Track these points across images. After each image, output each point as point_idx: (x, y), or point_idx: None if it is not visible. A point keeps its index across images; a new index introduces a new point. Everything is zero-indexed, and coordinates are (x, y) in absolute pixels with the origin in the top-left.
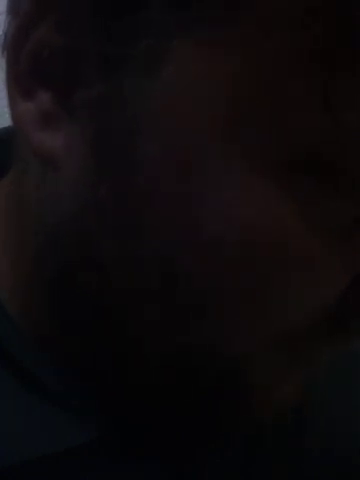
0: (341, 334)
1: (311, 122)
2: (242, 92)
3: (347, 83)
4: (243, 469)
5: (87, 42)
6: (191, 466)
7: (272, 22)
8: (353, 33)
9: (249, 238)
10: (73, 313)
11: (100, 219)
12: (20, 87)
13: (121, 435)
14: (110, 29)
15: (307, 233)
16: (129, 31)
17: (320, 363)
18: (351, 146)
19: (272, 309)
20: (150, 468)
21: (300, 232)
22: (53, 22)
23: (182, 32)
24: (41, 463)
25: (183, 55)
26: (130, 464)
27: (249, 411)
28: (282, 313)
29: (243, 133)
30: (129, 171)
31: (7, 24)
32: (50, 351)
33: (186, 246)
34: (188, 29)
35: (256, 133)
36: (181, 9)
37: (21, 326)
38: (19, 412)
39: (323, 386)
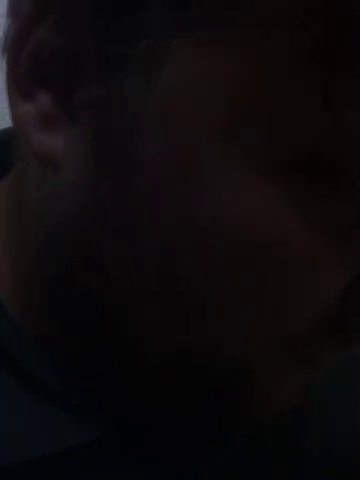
0: (341, 334)
1: (311, 122)
2: (242, 92)
3: (347, 83)
4: (243, 469)
5: (87, 42)
6: (191, 466)
7: (272, 22)
8: (353, 33)
9: (249, 238)
10: (73, 313)
11: (100, 219)
12: (20, 89)
13: (121, 435)
14: (110, 29)
15: (307, 233)
16: (129, 31)
17: (320, 364)
18: (351, 146)
19: (272, 309)
20: (150, 468)
21: (300, 232)
22: (53, 23)
23: (182, 32)
24: (41, 463)
25: (183, 55)
26: (130, 464)
27: (249, 411)
28: (282, 313)
29: (243, 133)
30: (129, 171)
31: (7, 26)
32: (50, 351)
33: (186, 246)
34: (188, 29)
35: (256, 133)
36: (181, 9)
37: (21, 326)
38: (19, 412)
39: (323, 386)
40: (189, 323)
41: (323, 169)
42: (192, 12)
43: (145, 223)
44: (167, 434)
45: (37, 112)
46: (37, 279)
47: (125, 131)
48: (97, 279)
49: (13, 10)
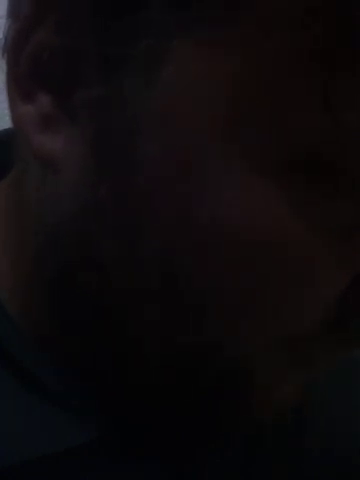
0: (341, 334)
1: (311, 122)
2: (242, 92)
3: (347, 83)
4: (243, 469)
5: (87, 42)
6: (191, 466)
7: (272, 22)
8: (353, 33)
9: (249, 238)
10: (73, 313)
11: (100, 219)
12: (20, 89)
13: (121, 435)
14: (110, 29)
15: (307, 233)
16: (129, 31)
17: (320, 364)
18: (351, 146)
19: (272, 309)
20: (150, 468)
21: (300, 232)
22: (53, 23)
23: (182, 32)
24: (41, 463)
25: (183, 55)
26: (130, 464)
27: (249, 411)
28: (282, 313)
29: (243, 133)
30: (129, 171)
31: (7, 27)
32: (50, 351)
33: (186, 246)
34: (188, 29)
35: (256, 133)
36: (181, 9)
37: (21, 326)
38: (19, 412)
39: (323, 386)
40: (189, 323)
41: (323, 169)
42: (192, 12)
43: (145, 223)
44: (167, 434)
45: (37, 113)
46: (37, 279)
47: (125, 131)
48: (97, 279)
49: (13, 11)
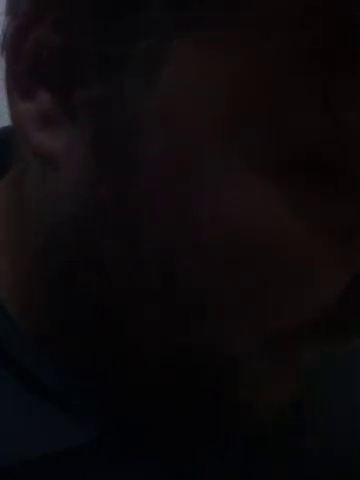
0: (341, 334)
1: (311, 122)
2: (242, 92)
3: (347, 83)
4: (243, 469)
5: (87, 42)
6: (191, 466)
7: (272, 22)
8: (353, 33)
9: (249, 238)
10: (73, 313)
11: (100, 219)
12: (19, 87)
13: (121, 435)
14: (110, 29)
15: (307, 233)
16: (129, 31)
17: (320, 363)
18: (351, 146)
19: (272, 309)
20: (150, 468)
21: (300, 232)
22: (51, 22)
23: (182, 32)
24: (41, 463)
25: (183, 55)
26: (130, 464)
27: (249, 411)
28: (282, 313)
29: (243, 133)
30: (129, 171)
31: (6, 24)
32: (50, 351)
33: (186, 246)
34: (188, 29)
35: (256, 133)
36: (181, 9)
37: (21, 326)
38: (19, 412)
39: (323, 386)
40: (189, 323)
41: (323, 169)
42: (192, 12)
43: (145, 223)
44: (167, 434)
45: (36, 111)
46: (37, 279)
47: (125, 131)
48: (97, 279)
49: (12, 8)
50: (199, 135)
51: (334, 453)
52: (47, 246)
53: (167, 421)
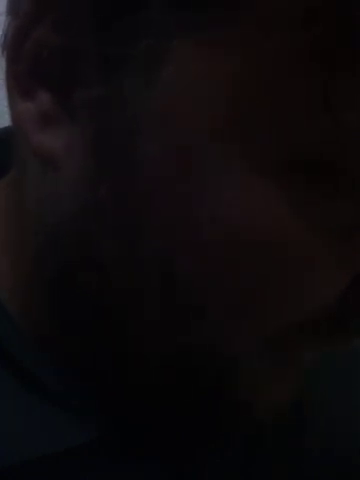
0: (341, 334)
1: (311, 122)
2: (242, 92)
3: (347, 83)
4: (243, 469)
5: (87, 42)
6: (191, 466)
7: (272, 22)
8: (353, 33)
9: (249, 238)
10: (73, 313)
11: (100, 219)
12: (20, 87)
13: (121, 435)
14: (110, 29)
15: (307, 233)
16: (129, 31)
17: (320, 363)
18: (351, 146)
19: (272, 309)
20: (150, 468)
21: (300, 232)
22: (52, 22)
23: (182, 32)
24: (41, 463)
25: (183, 55)
26: (130, 464)
27: (249, 411)
28: (282, 313)
29: (243, 133)
30: (129, 171)
31: (7, 24)
32: (50, 351)
33: (186, 246)
34: (188, 29)
35: (256, 133)
36: (181, 9)
37: (21, 326)
38: (19, 412)
39: (323, 386)
40: (189, 323)
41: (323, 169)
42: (192, 12)
43: (145, 223)
44: (167, 434)
45: (37, 110)
46: (37, 279)
47: (125, 131)
48: (97, 279)
49: (13, 8)
50: (199, 135)
51: (334, 453)
52: (47, 246)
53: (167, 421)
